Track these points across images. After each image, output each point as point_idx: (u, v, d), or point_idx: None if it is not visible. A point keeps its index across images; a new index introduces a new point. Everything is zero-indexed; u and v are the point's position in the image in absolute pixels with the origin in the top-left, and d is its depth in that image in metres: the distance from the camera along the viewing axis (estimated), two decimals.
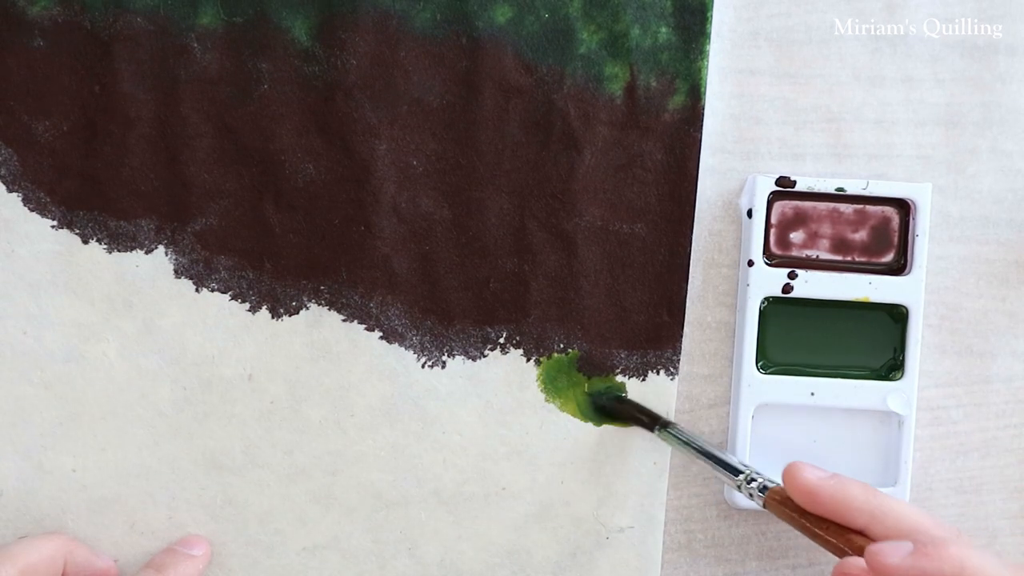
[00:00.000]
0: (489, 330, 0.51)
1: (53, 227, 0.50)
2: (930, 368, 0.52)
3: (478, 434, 0.51)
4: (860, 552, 0.44)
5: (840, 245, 0.51)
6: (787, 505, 0.47)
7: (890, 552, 0.43)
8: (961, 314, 0.52)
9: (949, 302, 0.52)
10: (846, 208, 0.51)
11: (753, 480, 0.48)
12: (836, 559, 0.46)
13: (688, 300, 0.51)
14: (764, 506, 0.47)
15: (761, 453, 0.51)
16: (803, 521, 0.46)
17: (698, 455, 0.49)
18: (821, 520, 0.46)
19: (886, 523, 0.45)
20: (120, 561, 0.51)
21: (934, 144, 0.52)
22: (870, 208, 0.51)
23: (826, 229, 0.51)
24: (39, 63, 0.49)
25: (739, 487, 0.48)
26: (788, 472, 0.47)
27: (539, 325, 0.51)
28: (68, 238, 0.50)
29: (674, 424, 0.50)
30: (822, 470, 0.47)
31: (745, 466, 0.48)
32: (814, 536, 0.46)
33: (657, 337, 0.51)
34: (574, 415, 0.51)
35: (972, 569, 0.42)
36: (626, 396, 0.51)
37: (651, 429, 0.50)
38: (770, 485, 0.47)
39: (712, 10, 0.50)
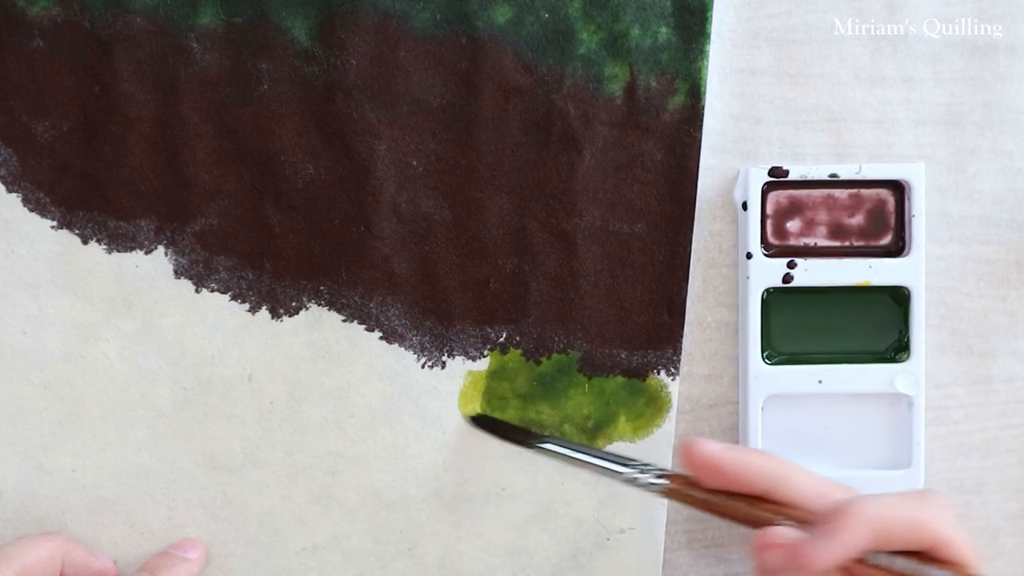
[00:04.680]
0: (489, 330, 0.51)
1: (53, 227, 0.50)
2: (931, 368, 0.52)
3: (478, 434, 0.51)
4: (770, 522, 0.44)
5: (837, 231, 0.51)
6: (691, 487, 0.46)
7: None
8: (961, 314, 0.52)
9: (949, 302, 0.52)
10: (840, 193, 0.51)
11: (645, 471, 0.47)
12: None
13: (688, 300, 0.51)
14: (665, 495, 0.47)
15: (773, 445, 0.51)
16: (709, 499, 0.45)
17: (582, 460, 0.48)
18: (728, 495, 0.45)
19: (786, 487, 0.44)
20: (119, 561, 0.50)
21: (934, 144, 0.52)
22: (865, 192, 0.51)
23: (822, 216, 0.51)
24: (39, 63, 0.49)
25: (633, 482, 0.47)
26: (685, 449, 0.46)
27: (539, 325, 0.51)
28: (68, 238, 0.50)
29: (548, 437, 0.50)
30: (718, 442, 0.46)
31: (631, 460, 0.47)
32: (723, 512, 0.45)
33: (657, 337, 0.51)
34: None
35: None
36: (496, 418, 0.51)
37: (527, 446, 0.50)
38: (665, 472, 0.47)
39: (712, 10, 0.50)
